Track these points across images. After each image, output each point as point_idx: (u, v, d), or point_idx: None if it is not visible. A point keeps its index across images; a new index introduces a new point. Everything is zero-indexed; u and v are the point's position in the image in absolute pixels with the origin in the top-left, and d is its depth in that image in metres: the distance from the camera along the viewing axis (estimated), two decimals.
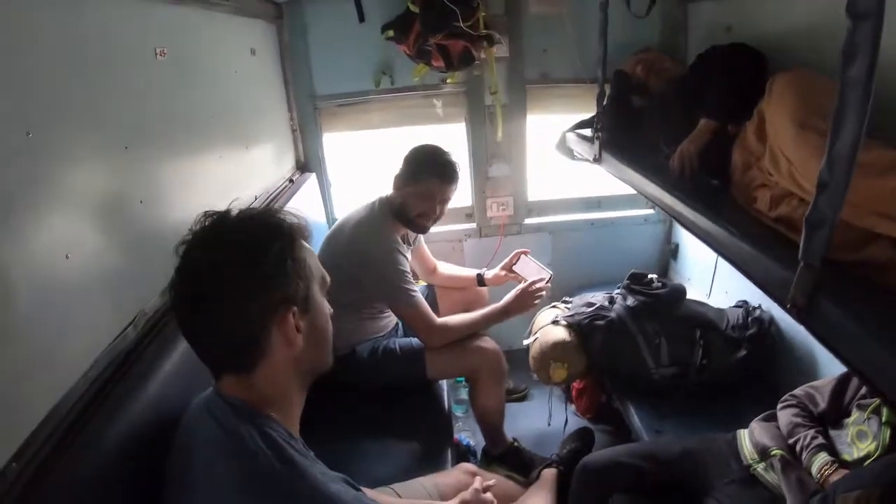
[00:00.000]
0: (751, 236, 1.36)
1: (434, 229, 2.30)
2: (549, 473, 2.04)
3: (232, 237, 0.91)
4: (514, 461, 2.34)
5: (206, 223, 0.93)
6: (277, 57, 2.55)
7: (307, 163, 2.76)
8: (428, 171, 2.09)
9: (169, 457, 0.95)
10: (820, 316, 1.07)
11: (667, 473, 1.83)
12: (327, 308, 1.06)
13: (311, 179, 2.68)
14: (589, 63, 2.21)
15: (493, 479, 1.62)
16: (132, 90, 1.34)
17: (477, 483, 1.49)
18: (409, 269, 2.11)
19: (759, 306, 2.42)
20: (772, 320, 2.36)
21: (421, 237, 2.42)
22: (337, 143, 2.87)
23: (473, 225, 2.96)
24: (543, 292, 2.23)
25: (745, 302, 2.48)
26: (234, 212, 0.96)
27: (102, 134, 1.21)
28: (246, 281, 0.88)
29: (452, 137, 2.85)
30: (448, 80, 2.58)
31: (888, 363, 0.94)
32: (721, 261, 2.75)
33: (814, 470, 1.58)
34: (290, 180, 2.58)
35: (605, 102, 2.20)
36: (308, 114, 2.69)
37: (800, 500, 1.55)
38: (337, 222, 2.27)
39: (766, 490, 1.70)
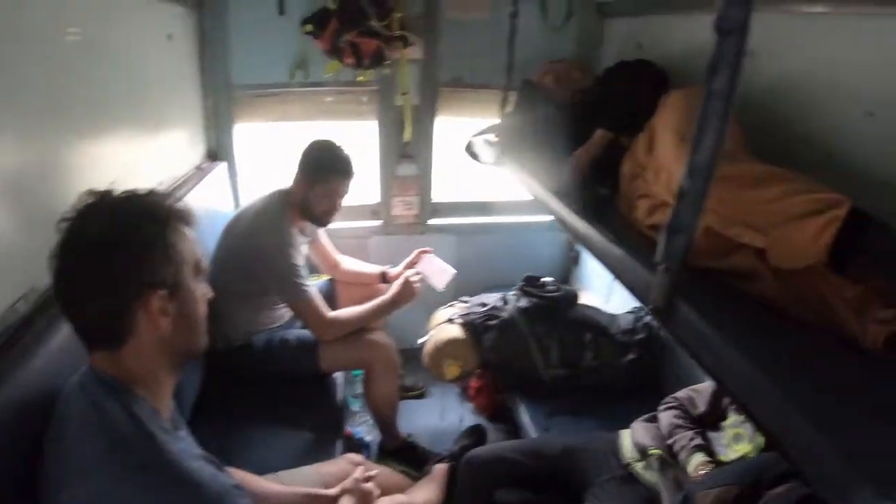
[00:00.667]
0: (623, 241, 1.42)
1: (339, 225, 2.29)
2: (441, 468, 2.08)
3: (107, 217, 0.93)
4: (409, 456, 2.36)
5: (88, 201, 0.95)
6: (196, 43, 2.47)
7: (218, 151, 2.68)
8: (331, 169, 2.12)
9: (48, 428, 0.97)
10: (677, 319, 1.13)
11: (549, 469, 1.89)
12: (201, 293, 1.06)
13: (221, 168, 2.62)
14: (502, 69, 2.26)
15: (376, 469, 1.64)
16: (37, 69, 1.32)
17: (358, 472, 1.52)
18: (302, 264, 2.11)
19: None
20: (660, 327, 2.47)
21: (320, 231, 2.41)
22: (252, 133, 2.81)
23: (379, 223, 2.95)
24: (419, 285, 2.26)
25: (638, 309, 2.59)
26: (116, 192, 0.97)
27: (2, 111, 1.20)
28: (114, 260, 0.91)
29: (362, 134, 2.85)
30: (359, 78, 2.57)
31: (738, 367, 1.00)
32: None
33: (689, 469, 1.65)
34: (199, 168, 2.51)
35: (509, 109, 2.25)
36: (222, 102, 2.61)
37: (675, 498, 1.61)
38: (236, 212, 2.25)
39: (643, 488, 1.77)
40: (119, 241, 0.91)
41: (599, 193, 1.80)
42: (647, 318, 2.50)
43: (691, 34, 2.07)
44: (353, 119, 2.81)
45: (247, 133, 2.77)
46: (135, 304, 0.92)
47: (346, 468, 1.67)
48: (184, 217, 1.02)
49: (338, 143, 2.17)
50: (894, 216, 1.14)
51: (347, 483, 1.50)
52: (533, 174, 1.98)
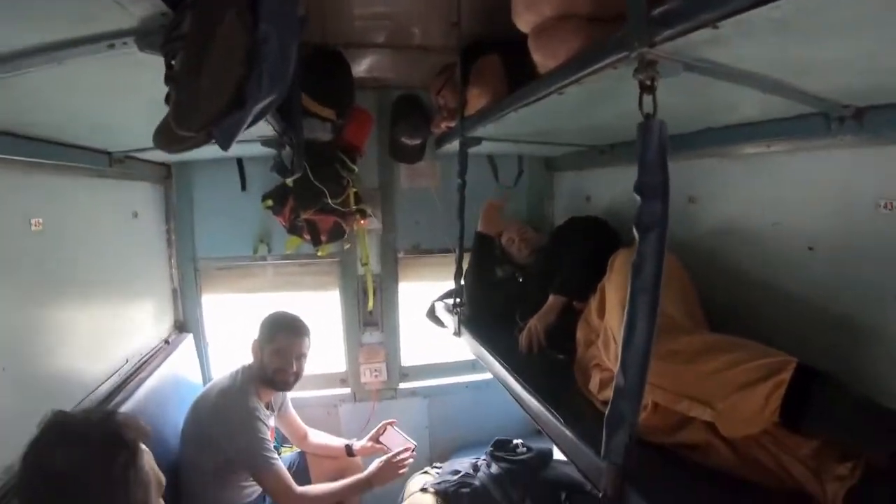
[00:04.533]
0: (576, 423, 1.42)
1: (308, 394, 2.30)
2: None
3: (80, 448, 0.93)
4: None
5: (54, 428, 0.96)
6: (162, 217, 2.59)
7: (185, 323, 2.71)
8: (278, 328, 2.21)
9: None
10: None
11: None
12: None
13: (189, 340, 2.64)
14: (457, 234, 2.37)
15: None
16: (4, 258, 1.41)
17: None
18: (269, 438, 2.10)
19: None
20: None
21: (288, 403, 2.43)
22: (219, 305, 2.86)
23: (348, 390, 2.95)
24: (410, 461, 2.25)
25: None
26: (79, 416, 1.00)
27: None
28: (94, 490, 0.91)
29: (328, 304, 2.93)
30: (318, 253, 2.68)
31: None
32: None
33: None
34: (167, 341, 2.53)
35: (464, 274, 2.34)
36: (189, 275, 2.69)
37: None
38: (203, 389, 2.27)
39: None
40: (99, 472, 0.92)
41: (556, 360, 1.84)
42: None
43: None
44: (316, 290, 2.89)
45: (217, 305, 2.82)
46: None
47: None
48: (146, 434, 1.04)
49: (289, 311, 2.28)
50: (833, 346, 1.22)
51: None
52: (490, 349, 2.02)
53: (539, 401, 1.60)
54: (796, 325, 1.54)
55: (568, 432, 1.41)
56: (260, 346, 2.21)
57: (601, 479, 1.19)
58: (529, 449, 2.50)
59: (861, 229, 1.41)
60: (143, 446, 1.03)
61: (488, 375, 3.10)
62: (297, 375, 2.25)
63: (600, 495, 1.19)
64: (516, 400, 1.78)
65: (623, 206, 2.21)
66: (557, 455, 2.58)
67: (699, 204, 1.91)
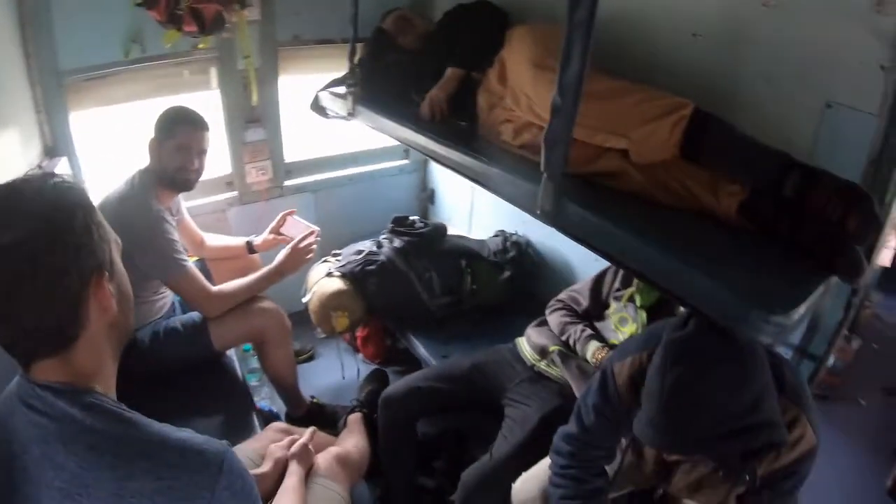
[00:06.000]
0: (500, 162, 1.58)
1: (194, 202, 2.18)
2: (355, 417, 2.14)
3: (33, 210, 0.84)
4: (319, 418, 2.38)
5: None
6: (17, 29, 2.14)
7: (56, 146, 2.36)
8: (178, 122, 2.04)
9: None
10: (566, 217, 1.32)
11: (462, 388, 2.05)
12: (123, 268, 1.01)
13: (63, 164, 2.32)
14: (340, 23, 2.24)
15: (307, 430, 1.69)
16: None
17: (306, 436, 1.62)
18: (178, 239, 2.02)
19: (516, 232, 2.78)
20: (528, 242, 2.74)
21: (183, 208, 2.31)
22: (91, 122, 2.50)
23: (235, 193, 2.85)
24: (314, 246, 2.27)
25: (503, 231, 2.82)
26: (21, 181, 0.87)
27: None
28: (59, 254, 0.83)
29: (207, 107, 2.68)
30: (200, 46, 2.42)
31: (630, 244, 1.22)
32: (476, 197, 3.07)
33: (588, 356, 1.87)
34: (39, 167, 2.20)
35: (358, 59, 2.27)
36: (53, 90, 2.30)
37: (582, 382, 1.82)
38: (97, 203, 2.05)
39: (552, 382, 1.97)
40: (60, 233, 0.84)
41: (459, 126, 1.92)
42: (515, 238, 2.74)
43: None
44: (196, 90, 2.64)
45: (89, 121, 2.49)
46: (88, 295, 0.86)
47: (276, 437, 1.69)
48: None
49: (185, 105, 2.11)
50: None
51: (295, 448, 1.57)
52: (394, 118, 2.03)
53: (459, 151, 1.69)
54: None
55: (495, 169, 1.56)
56: (158, 145, 2.03)
57: (535, 201, 1.34)
58: (426, 224, 2.65)
59: (743, 22, 1.62)
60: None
61: (372, 167, 3.21)
62: (199, 173, 2.12)
63: (537, 213, 1.35)
64: (431, 157, 1.86)
65: None
66: (451, 231, 2.79)
67: None
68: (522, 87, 1.65)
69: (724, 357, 1.11)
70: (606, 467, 1.51)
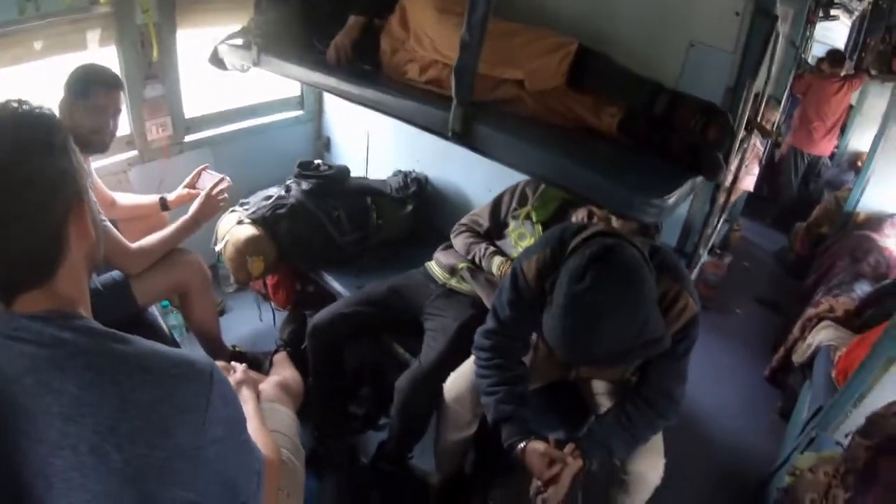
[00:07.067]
0: (410, 96, 1.77)
1: (94, 164, 2.13)
2: (281, 356, 2.17)
3: (16, 133, 0.82)
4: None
5: None
6: None
7: None
8: (93, 82, 1.97)
9: None
10: (475, 136, 1.56)
11: (383, 310, 2.22)
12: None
13: None
14: None
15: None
16: None
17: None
18: (96, 200, 1.97)
19: (413, 170, 2.98)
20: (426, 178, 2.96)
21: (92, 170, 2.23)
22: None
23: (135, 152, 2.77)
24: (226, 194, 2.31)
25: (400, 170, 3.00)
26: None
27: None
28: (47, 179, 0.82)
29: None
30: (101, 1, 2.32)
31: (537, 155, 1.48)
32: (372, 142, 3.20)
33: (494, 269, 2.09)
34: None
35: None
36: None
37: (490, 292, 2.04)
38: None
39: (464, 296, 2.18)
40: (45, 157, 0.82)
41: (364, 70, 2.05)
42: (414, 175, 2.94)
43: None
44: (91, 48, 2.47)
45: None
46: (70, 221, 0.85)
47: None
48: None
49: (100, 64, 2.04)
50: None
51: (240, 374, 1.62)
52: (301, 64, 2.12)
53: (372, 88, 1.85)
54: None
55: (408, 101, 1.75)
56: (70, 105, 1.94)
57: (446, 125, 1.55)
58: (330, 167, 2.75)
59: None
60: None
61: (269, 118, 3.23)
62: (114, 135, 2.07)
63: (449, 134, 1.55)
64: (343, 96, 1.99)
65: None
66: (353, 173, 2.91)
67: None
68: (426, 30, 1.83)
69: (615, 307, 1.30)
70: (524, 359, 1.76)
